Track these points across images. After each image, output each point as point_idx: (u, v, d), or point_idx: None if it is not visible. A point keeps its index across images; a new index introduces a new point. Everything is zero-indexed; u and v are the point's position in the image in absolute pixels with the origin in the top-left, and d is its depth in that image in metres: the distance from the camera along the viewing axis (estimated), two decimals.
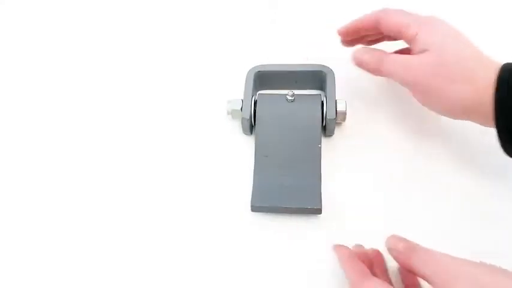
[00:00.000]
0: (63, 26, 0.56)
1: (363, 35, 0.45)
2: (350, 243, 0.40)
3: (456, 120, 0.41)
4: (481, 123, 0.39)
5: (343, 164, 0.44)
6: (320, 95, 0.45)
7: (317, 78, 0.47)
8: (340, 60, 0.45)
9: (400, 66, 0.41)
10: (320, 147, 0.43)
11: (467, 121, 0.40)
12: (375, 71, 0.42)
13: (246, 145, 0.46)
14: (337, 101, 0.44)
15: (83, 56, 0.53)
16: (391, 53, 0.43)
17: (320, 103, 0.44)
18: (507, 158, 0.38)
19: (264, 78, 0.47)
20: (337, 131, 0.45)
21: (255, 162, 0.43)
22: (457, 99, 0.38)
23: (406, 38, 0.41)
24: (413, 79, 0.40)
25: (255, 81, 0.46)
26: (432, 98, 0.40)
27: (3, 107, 0.50)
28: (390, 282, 0.37)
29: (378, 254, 0.39)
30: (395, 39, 0.43)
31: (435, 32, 0.40)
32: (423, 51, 0.39)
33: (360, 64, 0.43)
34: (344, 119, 0.44)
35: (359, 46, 0.45)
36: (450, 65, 0.38)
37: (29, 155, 0.47)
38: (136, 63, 0.52)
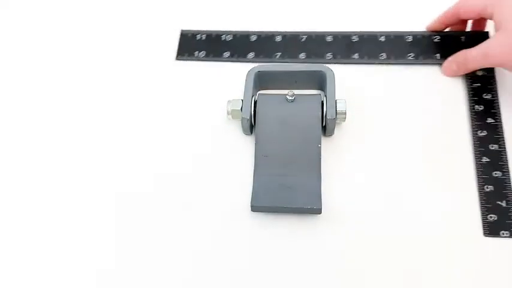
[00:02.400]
0: (52, 25, 0.56)
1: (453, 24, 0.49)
2: (350, 243, 0.40)
3: (457, 118, 0.43)
4: None
5: (343, 164, 0.44)
6: (320, 95, 0.45)
7: (317, 78, 0.47)
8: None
9: (481, 58, 0.44)
10: (320, 147, 0.43)
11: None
12: (466, 72, 0.47)
13: (246, 145, 0.46)
14: (337, 101, 0.44)
15: (82, 57, 0.53)
16: (472, 49, 0.45)
17: (320, 103, 0.44)
18: None
19: (264, 78, 0.47)
20: (337, 131, 0.45)
21: (255, 162, 0.43)
22: None
23: (489, 19, 0.44)
24: (495, 63, 0.44)
25: (255, 81, 0.46)
26: None
27: (3, 108, 0.50)
28: None
29: None
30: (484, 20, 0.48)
31: (504, 8, 0.42)
32: (498, 30, 0.42)
33: (452, 75, 0.47)
34: (344, 119, 0.44)
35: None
36: None
37: (29, 156, 0.47)
38: (135, 63, 0.52)
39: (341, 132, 0.46)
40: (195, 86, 0.50)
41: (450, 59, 0.47)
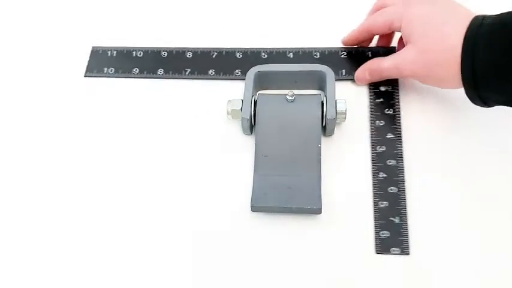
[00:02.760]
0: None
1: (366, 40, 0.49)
2: (350, 243, 0.40)
3: (455, 118, 0.44)
4: None
5: (343, 164, 0.44)
6: (320, 95, 0.45)
7: (317, 78, 0.47)
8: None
9: (393, 70, 0.45)
10: (320, 147, 0.43)
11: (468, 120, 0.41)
12: (379, 80, 0.47)
13: (246, 145, 0.46)
14: (337, 101, 0.44)
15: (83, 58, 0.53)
16: (385, 59, 0.45)
17: (320, 103, 0.44)
18: None
19: (264, 78, 0.47)
20: (337, 131, 0.45)
21: (255, 162, 0.43)
22: (446, 78, 0.41)
23: (398, 31, 0.45)
24: (407, 75, 0.45)
25: (255, 81, 0.46)
26: (428, 82, 0.44)
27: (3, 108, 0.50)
28: None
29: None
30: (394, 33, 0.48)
31: (412, 22, 0.42)
32: (407, 43, 0.43)
33: (364, 83, 0.48)
34: (344, 119, 0.44)
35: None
36: (427, 53, 0.41)
37: (28, 157, 0.47)
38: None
39: (341, 132, 0.46)
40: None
41: (364, 66, 0.47)
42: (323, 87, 0.47)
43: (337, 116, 0.43)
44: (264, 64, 0.48)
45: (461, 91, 0.41)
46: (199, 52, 0.51)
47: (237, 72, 0.49)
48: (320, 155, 0.43)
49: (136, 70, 0.50)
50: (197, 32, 0.53)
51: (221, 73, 0.49)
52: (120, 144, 0.47)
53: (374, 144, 0.44)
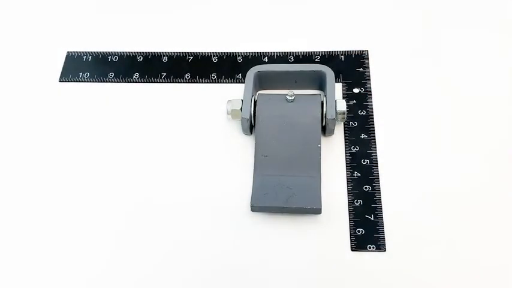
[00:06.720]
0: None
1: None
2: (349, 244, 0.40)
3: (453, 121, 0.44)
4: None
5: (343, 164, 0.44)
6: (320, 95, 0.45)
7: (317, 78, 0.47)
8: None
9: None
10: (320, 147, 0.43)
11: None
12: None
13: (246, 145, 0.46)
14: (337, 101, 0.44)
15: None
16: None
17: (320, 103, 0.44)
18: None
19: (263, 78, 0.47)
20: (337, 131, 0.45)
21: (255, 162, 0.43)
22: None
23: None
24: None
25: (254, 81, 0.47)
26: None
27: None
28: None
29: None
30: None
31: None
32: None
33: None
34: (344, 119, 0.44)
35: None
36: None
37: (27, 155, 0.47)
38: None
39: (341, 132, 0.46)
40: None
41: None
42: (323, 87, 0.47)
43: (337, 116, 0.43)
44: (264, 64, 0.49)
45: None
46: (175, 56, 0.51)
47: (213, 75, 0.50)
48: (320, 155, 0.43)
49: (111, 74, 0.51)
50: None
51: (197, 76, 0.50)
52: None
53: (348, 145, 0.45)
